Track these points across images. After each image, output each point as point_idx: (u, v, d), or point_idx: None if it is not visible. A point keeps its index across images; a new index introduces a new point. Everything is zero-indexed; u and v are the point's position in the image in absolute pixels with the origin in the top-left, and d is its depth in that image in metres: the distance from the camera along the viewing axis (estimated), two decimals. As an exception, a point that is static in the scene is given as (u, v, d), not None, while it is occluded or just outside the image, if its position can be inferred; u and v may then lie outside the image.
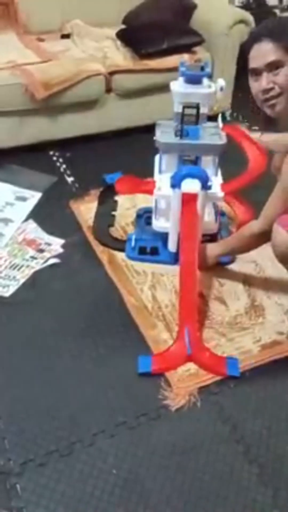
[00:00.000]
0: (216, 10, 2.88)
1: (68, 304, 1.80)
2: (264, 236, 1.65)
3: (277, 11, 3.61)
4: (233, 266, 1.96)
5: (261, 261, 1.97)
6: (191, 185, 1.68)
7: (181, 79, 1.79)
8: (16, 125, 2.54)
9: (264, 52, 1.45)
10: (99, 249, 2.03)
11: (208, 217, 1.91)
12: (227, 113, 3.05)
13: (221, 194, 1.83)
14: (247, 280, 1.90)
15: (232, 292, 1.85)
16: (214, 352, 1.61)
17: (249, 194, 2.14)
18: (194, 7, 2.93)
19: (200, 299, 1.81)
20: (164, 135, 1.82)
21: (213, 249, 1.85)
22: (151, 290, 1.84)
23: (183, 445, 1.38)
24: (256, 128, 2.98)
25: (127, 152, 2.63)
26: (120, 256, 1.99)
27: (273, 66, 1.45)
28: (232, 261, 1.96)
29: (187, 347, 1.58)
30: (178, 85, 1.79)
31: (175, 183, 1.70)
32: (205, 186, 1.70)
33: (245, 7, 3.35)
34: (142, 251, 1.99)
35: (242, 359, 1.60)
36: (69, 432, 1.40)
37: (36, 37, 2.85)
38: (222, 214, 2.14)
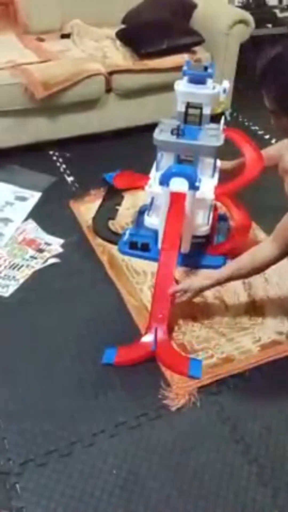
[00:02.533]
0: (216, 10, 2.88)
1: (68, 304, 1.80)
2: (277, 261, 1.57)
3: (277, 11, 3.61)
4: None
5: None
6: (179, 184, 1.68)
7: (185, 78, 1.79)
8: (16, 125, 2.54)
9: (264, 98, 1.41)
10: (99, 249, 2.03)
11: (199, 218, 1.90)
12: (227, 113, 3.05)
13: (211, 196, 1.82)
14: (247, 280, 1.90)
15: (232, 292, 1.85)
16: (179, 352, 1.62)
17: (246, 196, 2.14)
18: (194, 7, 2.94)
19: (200, 299, 1.81)
20: (162, 133, 1.83)
21: (198, 281, 1.72)
22: (150, 290, 1.83)
23: (183, 445, 1.38)
24: (256, 128, 2.99)
25: (127, 151, 2.63)
26: (120, 256, 2.00)
27: (272, 112, 1.41)
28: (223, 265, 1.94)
29: (153, 343, 1.59)
30: (181, 85, 1.79)
31: (163, 181, 1.71)
32: (193, 186, 1.70)
33: (245, 7, 3.35)
34: (133, 246, 1.99)
35: (242, 359, 1.60)
36: (69, 432, 1.40)
37: (36, 37, 2.85)
38: (224, 219, 2.14)
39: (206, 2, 2.94)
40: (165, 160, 1.88)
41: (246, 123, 3.04)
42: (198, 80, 1.78)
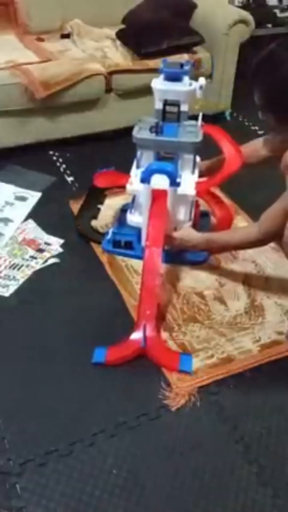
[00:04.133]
0: (216, 10, 2.88)
1: (67, 304, 1.80)
2: (259, 244, 1.69)
3: (277, 11, 3.61)
4: (233, 266, 1.96)
5: (261, 261, 1.97)
6: (160, 181, 1.68)
7: (161, 76, 1.80)
8: (16, 125, 2.54)
9: (254, 93, 1.52)
10: (99, 249, 2.03)
11: (181, 215, 1.91)
12: (227, 113, 3.06)
13: (192, 192, 1.83)
14: (247, 280, 1.90)
15: (232, 292, 1.85)
16: (168, 347, 1.63)
17: (229, 191, 2.15)
18: (194, 7, 2.94)
19: (200, 299, 1.82)
20: (141, 131, 1.84)
21: (191, 235, 1.83)
22: (151, 290, 1.84)
23: (183, 445, 1.38)
24: (256, 128, 2.99)
25: (127, 151, 2.62)
26: (120, 256, 1.99)
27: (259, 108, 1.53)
28: (205, 261, 1.95)
29: (142, 340, 1.59)
30: (158, 82, 1.81)
31: (144, 178, 1.72)
32: (174, 182, 1.71)
33: (245, 7, 3.35)
34: (117, 244, 1.99)
35: (242, 359, 1.60)
36: (69, 432, 1.40)
37: (36, 37, 2.85)
38: (205, 214, 2.15)
39: (206, 2, 2.94)
40: (145, 158, 1.89)
41: (246, 123, 3.04)
42: (174, 77, 1.79)
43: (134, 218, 1.94)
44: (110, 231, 2.02)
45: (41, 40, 2.84)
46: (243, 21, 2.77)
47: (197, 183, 1.88)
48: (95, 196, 2.29)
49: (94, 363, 1.57)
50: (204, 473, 1.32)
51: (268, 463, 1.35)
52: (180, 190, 1.78)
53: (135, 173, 1.89)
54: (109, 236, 2.01)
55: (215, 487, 1.29)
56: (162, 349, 1.62)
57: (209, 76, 2.80)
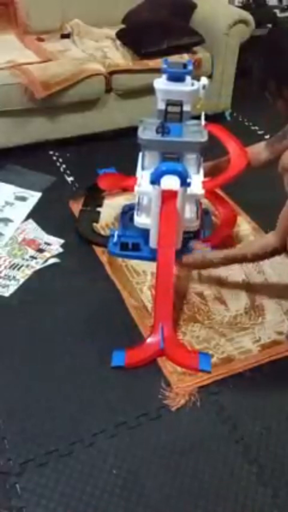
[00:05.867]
0: (216, 10, 2.88)
1: (68, 304, 1.80)
2: (276, 253, 1.66)
3: (277, 11, 3.61)
4: (233, 266, 1.95)
5: (261, 261, 1.97)
6: (170, 182, 1.69)
7: (164, 76, 1.80)
8: (16, 125, 2.54)
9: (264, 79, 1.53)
10: (99, 249, 2.03)
11: (189, 214, 1.91)
12: (227, 113, 3.06)
13: (201, 191, 1.83)
14: (247, 280, 1.90)
15: (232, 292, 1.85)
16: (187, 347, 1.63)
17: (233, 191, 2.15)
18: (194, 7, 2.94)
19: (200, 299, 1.82)
20: (146, 132, 1.83)
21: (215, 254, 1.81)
22: (150, 290, 1.83)
23: (183, 445, 1.38)
24: (256, 128, 2.99)
25: (127, 151, 2.62)
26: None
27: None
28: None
29: (160, 342, 1.59)
30: (161, 83, 1.80)
31: (155, 180, 1.71)
32: (185, 183, 1.71)
33: (245, 7, 3.34)
34: (124, 247, 1.99)
35: (242, 359, 1.60)
36: (69, 432, 1.40)
37: (36, 37, 2.85)
38: (206, 212, 2.15)
39: (206, 2, 2.94)
40: (149, 159, 1.88)
41: (246, 123, 3.04)
42: (177, 77, 1.78)
43: (141, 220, 1.92)
44: (115, 234, 2.01)
45: (41, 40, 2.84)
46: (243, 21, 2.77)
47: (204, 183, 1.87)
48: (94, 198, 2.29)
49: (114, 367, 1.57)
50: (204, 473, 1.32)
51: (268, 463, 1.35)
52: (189, 189, 1.77)
53: (142, 175, 1.88)
54: (115, 239, 2.00)
55: (215, 487, 1.29)
56: (181, 349, 1.62)
57: (209, 76, 2.80)
